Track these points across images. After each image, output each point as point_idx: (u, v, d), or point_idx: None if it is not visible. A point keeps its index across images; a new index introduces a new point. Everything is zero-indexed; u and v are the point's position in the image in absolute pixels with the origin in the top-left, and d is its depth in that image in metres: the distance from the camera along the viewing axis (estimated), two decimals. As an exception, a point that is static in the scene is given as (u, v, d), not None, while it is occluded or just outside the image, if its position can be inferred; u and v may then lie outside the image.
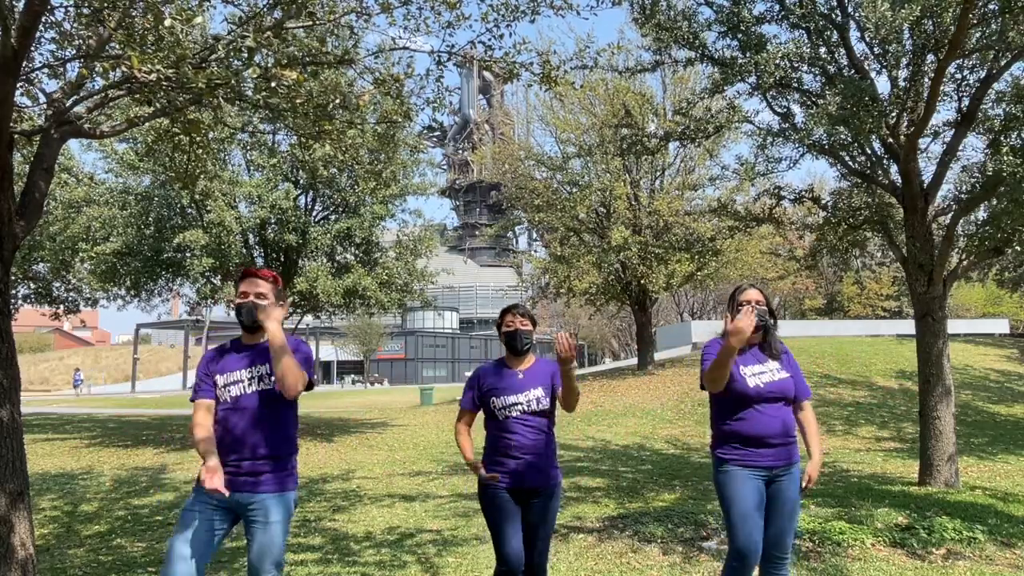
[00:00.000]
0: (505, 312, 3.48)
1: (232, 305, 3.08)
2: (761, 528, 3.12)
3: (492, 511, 3.32)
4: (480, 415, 3.47)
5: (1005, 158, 6.71)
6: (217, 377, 2.95)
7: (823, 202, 9.11)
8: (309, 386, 2.92)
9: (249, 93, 4.05)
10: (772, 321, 3.26)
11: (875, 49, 7.55)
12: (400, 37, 5.18)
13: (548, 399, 3.34)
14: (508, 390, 3.33)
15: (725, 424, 3.21)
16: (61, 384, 48.35)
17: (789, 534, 3.16)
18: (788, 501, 3.15)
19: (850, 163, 8.27)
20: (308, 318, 16.96)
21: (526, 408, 3.29)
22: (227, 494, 2.72)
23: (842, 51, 7.69)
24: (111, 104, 4.71)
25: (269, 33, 3.96)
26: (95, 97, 4.27)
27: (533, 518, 3.31)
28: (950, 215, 8.10)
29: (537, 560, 3.33)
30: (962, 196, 8.15)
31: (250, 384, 2.93)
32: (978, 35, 6.91)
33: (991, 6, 6.59)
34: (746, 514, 3.07)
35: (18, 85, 3.68)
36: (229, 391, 2.92)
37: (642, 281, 20.43)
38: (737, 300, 3.25)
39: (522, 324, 3.39)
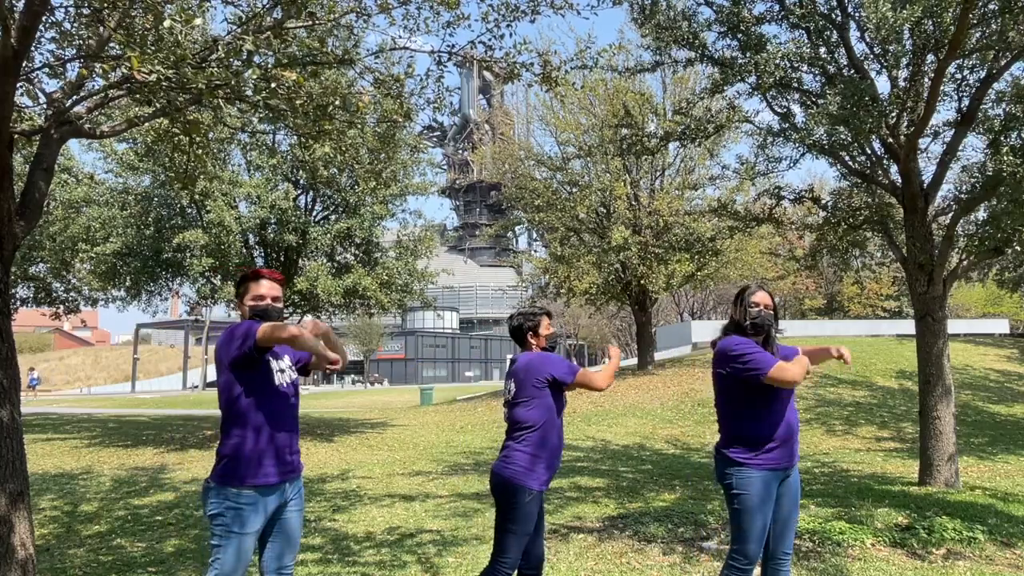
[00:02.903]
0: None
1: (245, 306, 3.02)
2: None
3: None
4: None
5: (1005, 158, 6.71)
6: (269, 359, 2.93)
7: (823, 202, 9.10)
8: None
9: (249, 93, 4.05)
10: (776, 325, 3.29)
11: (875, 49, 7.54)
12: (400, 37, 5.19)
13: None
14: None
15: (749, 423, 3.17)
16: (61, 384, 48.29)
17: (793, 531, 3.28)
18: (794, 497, 3.26)
19: (850, 163, 8.26)
20: (308, 318, 16.96)
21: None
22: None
23: (842, 51, 7.69)
24: (111, 104, 4.72)
25: (269, 34, 3.96)
26: (95, 97, 4.27)
27: None
28: (950, 215, 8.09)
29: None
30: (962, 196, 8.15)
31: (287, 373, 3.00)
32: (978, 35, 6.91)
33: (991, 6, 6.59)
34: (765, 523, 3.12)
35: (18, 85, 3.68)
36: (284, 376, 2.95)
37: (642, 281, 20.41)
38: (746, 301, 3.24)
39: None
